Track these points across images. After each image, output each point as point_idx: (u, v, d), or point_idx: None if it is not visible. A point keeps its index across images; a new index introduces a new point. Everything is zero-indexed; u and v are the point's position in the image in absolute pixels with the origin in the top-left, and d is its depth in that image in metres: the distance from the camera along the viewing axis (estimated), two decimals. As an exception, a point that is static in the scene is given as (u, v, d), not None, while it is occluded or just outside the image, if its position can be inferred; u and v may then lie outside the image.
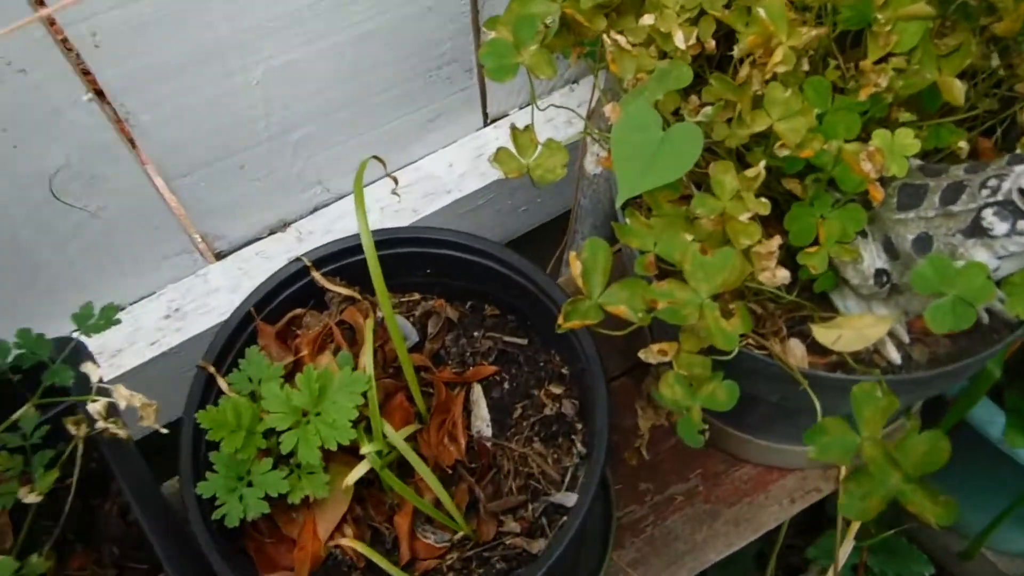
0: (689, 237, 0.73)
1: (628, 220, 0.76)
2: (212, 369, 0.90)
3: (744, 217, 0.71)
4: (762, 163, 0.71)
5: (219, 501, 0.84)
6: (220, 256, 1.27)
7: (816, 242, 0.76)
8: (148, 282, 1.22)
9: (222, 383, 0.89)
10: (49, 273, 1.11)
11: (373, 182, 1.30)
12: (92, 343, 1.16)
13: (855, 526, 1.19)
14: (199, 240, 1.22)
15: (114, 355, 1.18)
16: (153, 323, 1.21)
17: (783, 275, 0.71)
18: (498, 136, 1.34)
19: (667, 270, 0.76)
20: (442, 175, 1.32)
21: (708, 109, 0.74)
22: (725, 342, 0.69)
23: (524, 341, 0.99)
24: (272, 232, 1.29)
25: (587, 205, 1.27)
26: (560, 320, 0.74)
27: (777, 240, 0.71)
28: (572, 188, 1.39)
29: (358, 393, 0.83)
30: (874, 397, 0.69)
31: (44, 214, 1.04)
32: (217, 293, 1.24)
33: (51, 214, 1.04)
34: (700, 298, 0.70)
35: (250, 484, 0.85)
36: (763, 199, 0.72)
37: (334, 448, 0.82)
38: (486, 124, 1.36)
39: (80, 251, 1.11)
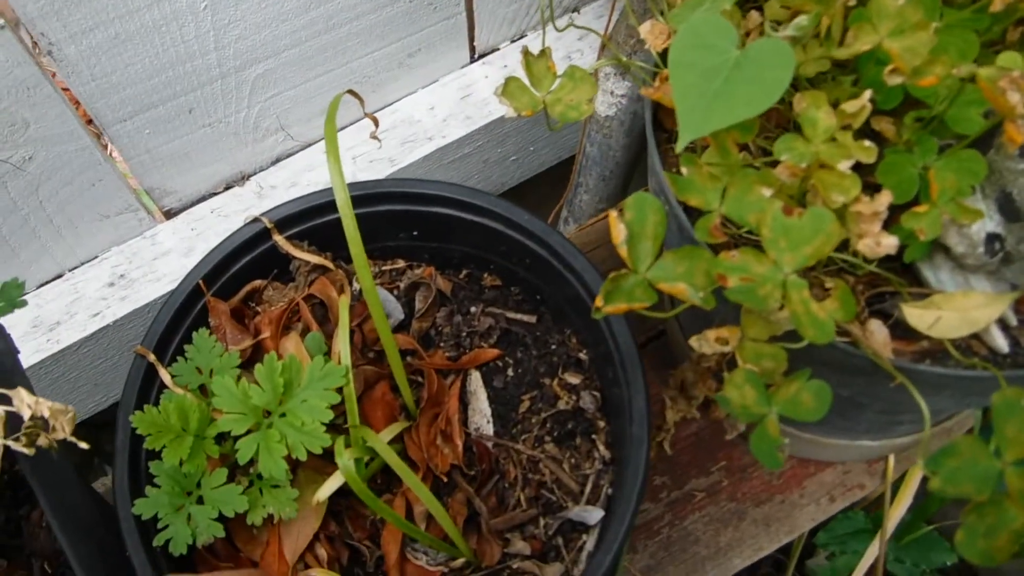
0: (767, 192, 0.56)
1: (686, 170, 0.59)
2: (152, 357, 0.72)
3: (843, 166, 0.54)
4: (867, 94, 0.55)
5: (162, 523, 0.68)
6: (170, 215, 1.14)
7: (916, 200, 0.60)
8: (88, 245, 1.10)
9: (164, 375, 0.72)
10: (-32, 238, 0.99)
11: (344, 127, 1.17)
12: (25, 316, 1.03)
13: (899, 508, 1.06)
14: (145, 196, 1.09)
15: (51, 328, 1.07)
16: (95, 292, 1.09)
17: (890, 243, 0.55)
18: (487, 74, 1.20)
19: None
20: (423, 119, 1.18)
21: (802, 19, 0.56)
22: (818, 332, 0.53)
23: (532, 319, 0.83)
24: (229, 186, 1.16)
25: (595, 153, 1.11)
26: (598, 302, 0.57)
27: (887, 197, 0.55)
28: (569, 135, 1.24)
29: (333, 389, 0.67)
30: (1020, 408, 0.52)
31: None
32: (167, 257, 1.11)
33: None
34: (783, 273, 0.54)
35: (200, 501, 0.69)
36: (867, 143, 0.55)
37: (303, 458, 0.66)
38: (473, 60, 1.22)
39: (4, 210, 0.98)
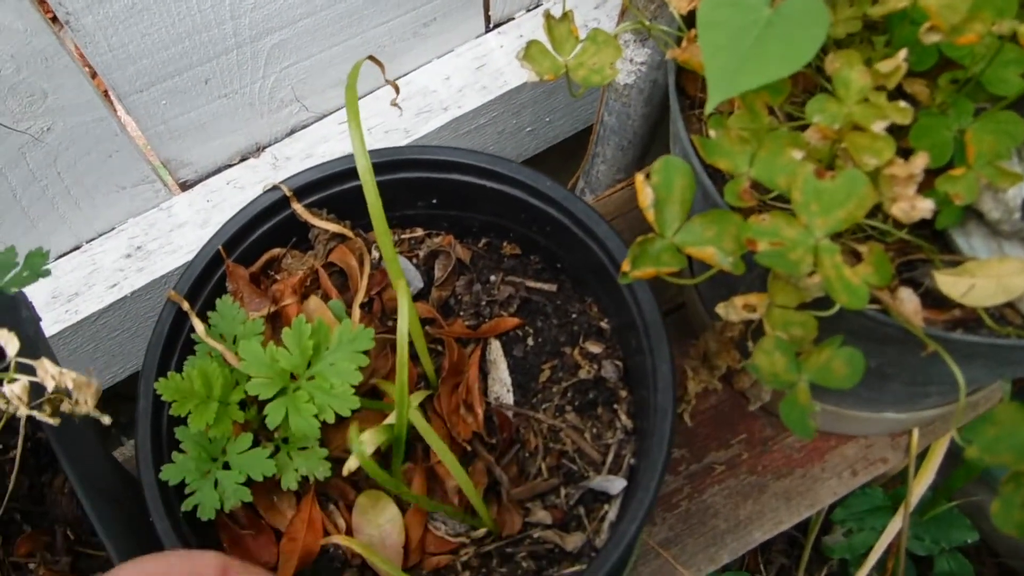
0: (798, 154, 0.55)
1: (715, 133, 0.58)
2: (186, 305, 0.72)
3: (878, 127, 0.53)
4: (903, 52, 0.53)
5: (190, 488, 0.68)
6: (185, 186, 1.14)
7: (949, 165, 0.59)
8: (105, 217, 1.09)
9: (198, 325, 0.72)
10: (-12, 208, 0.98)
11: (359, 98, 1.14)
12: (44, 287, 1.03)
13: (923, 482, 1.05)
14: (161, 168, 1.09)
15: (70, 299, 1.07)
16: (112, 263, 1.09)
17: (925, 206, 0.54)
18: (502, 44, 1.19)
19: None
20: (438, 89, 1.17)
21: (836, -23, 0.55)
22: (851, 297, 0.52)
23: (552, 287, 0.82)
24: (244, 158, 1.16)
25: (613, 123, 1.09)
26: (625, 266, 0.56)
27: (922, 159, 0.53)
28: (585, 106, 1.22)
29: (360, 352, 0.66)
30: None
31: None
32: (183, 229, 1.11)
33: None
34: (814, 238, 0.53)
35: (226, 466, 0.69)
36: (902, 103, 0.54)
37: (331, 420, 0.66)
38: (488, 30, 1.20)
39: (24, 181, 0.98)
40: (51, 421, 0.57)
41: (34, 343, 0.70)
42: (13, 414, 0.63)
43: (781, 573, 1.59)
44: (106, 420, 0.59)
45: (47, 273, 0.71)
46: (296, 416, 0.66)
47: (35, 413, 0.56)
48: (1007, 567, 1.53)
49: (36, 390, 0.61)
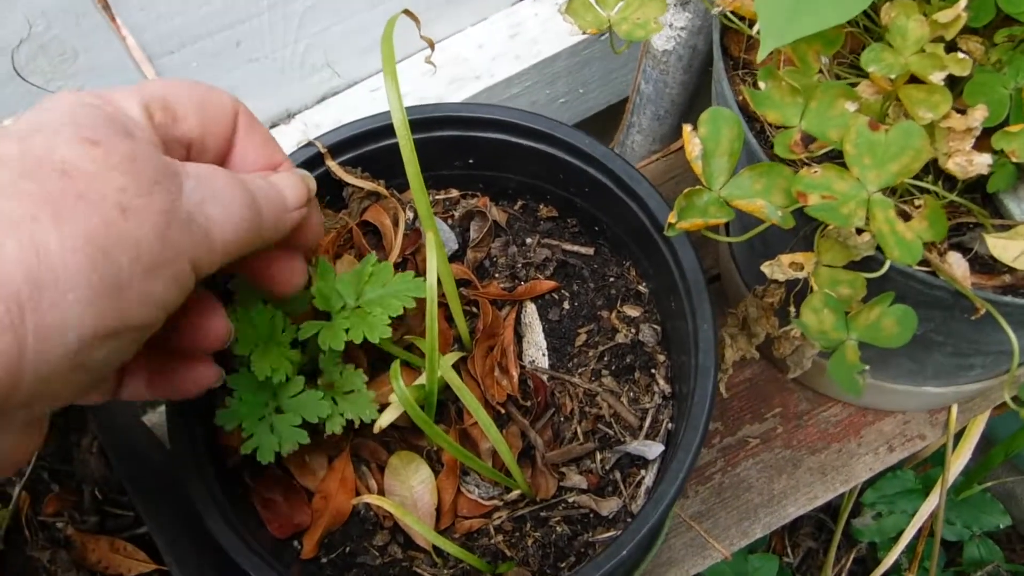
0: (852, 107, 0.54)
1: (764, 84, 0.57)
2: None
3: (936, 77, 0.52)
4: (962, 2, 0.52)
5: (246, 432, 0.67)
6: (215, 151, 1.09)
7: (1006, 123, 0.57)
8: (134, 182, 1.04)
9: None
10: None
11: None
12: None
13: (961, 458, 1.04)
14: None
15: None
16: (143, 228, 1.04)
17: (982, 161, 0.52)
18: (536, 12, 1.17)
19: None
20: (471, 57, 1.15)
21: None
22: (904, 252, 0.50)
23: (589, 251, 0.81)
24: (274, 124, 1.14)
25: (649, 91, 1.08)
26: (671, 218, 0.54)
27: (981, 112, 0.52)
28: (620, 76, 1.21)
29: (411, 297, 0.67)
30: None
31: (7, 97, 0.89)
32: (212, 194, 1.06)
33: (17, 98, 0.89)
34: (867, 191, 0.51)
35: (279, 410, 0.68)
36: (960, 55, 0.52)
37: (358, 341, 0.65)
38: (521, -2, 1.17)
39: (53, 145, 0.94)
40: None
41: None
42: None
43: (808, 556, 1.58)
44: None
45: None
46: (328, 335, 0.66)
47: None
48: (1039, 553, 1.51)
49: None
